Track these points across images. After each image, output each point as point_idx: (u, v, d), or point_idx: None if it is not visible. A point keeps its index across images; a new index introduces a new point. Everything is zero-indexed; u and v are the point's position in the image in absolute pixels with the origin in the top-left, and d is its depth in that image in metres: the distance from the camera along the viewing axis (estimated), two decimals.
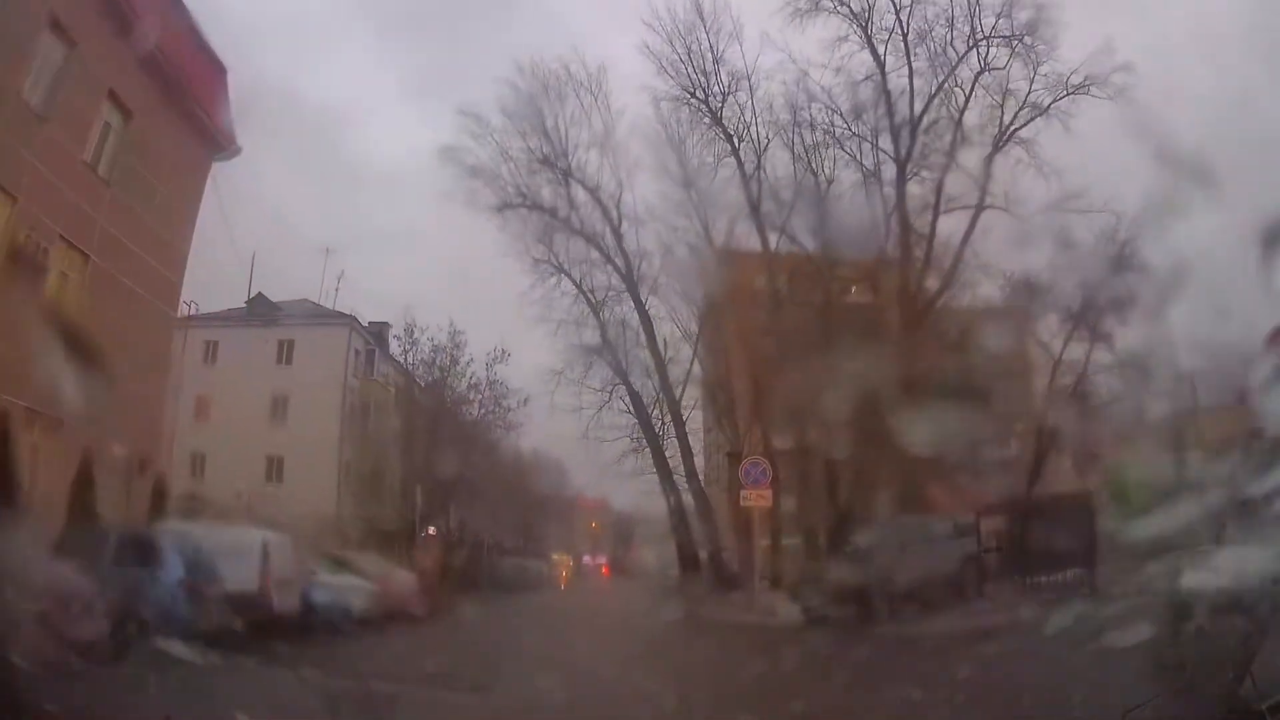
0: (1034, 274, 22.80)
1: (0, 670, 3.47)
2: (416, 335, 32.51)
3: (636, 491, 29.22)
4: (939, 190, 24.01)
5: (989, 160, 23.65)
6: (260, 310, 33.46)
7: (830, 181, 25.19)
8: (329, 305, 34.14)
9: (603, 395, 27.55)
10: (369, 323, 35.37)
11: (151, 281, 19.67)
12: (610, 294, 27.48)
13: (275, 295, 33.72)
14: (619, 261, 26.99)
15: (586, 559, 62.55)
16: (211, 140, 21.56)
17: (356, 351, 34.90)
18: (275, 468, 30.94)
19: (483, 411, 33.77)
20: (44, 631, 6.25)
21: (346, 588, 15.34)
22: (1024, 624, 11.45)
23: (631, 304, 27.24)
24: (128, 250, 18.50)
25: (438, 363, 32.61)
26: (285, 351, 32.99)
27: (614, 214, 26.86)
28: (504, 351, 32.02)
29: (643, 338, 27.19)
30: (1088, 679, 6.32)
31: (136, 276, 18.77)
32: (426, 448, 30.58)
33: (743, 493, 19.55)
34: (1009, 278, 23.49)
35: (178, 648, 7.48)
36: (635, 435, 27.66)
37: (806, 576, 19.64)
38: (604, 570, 61.04)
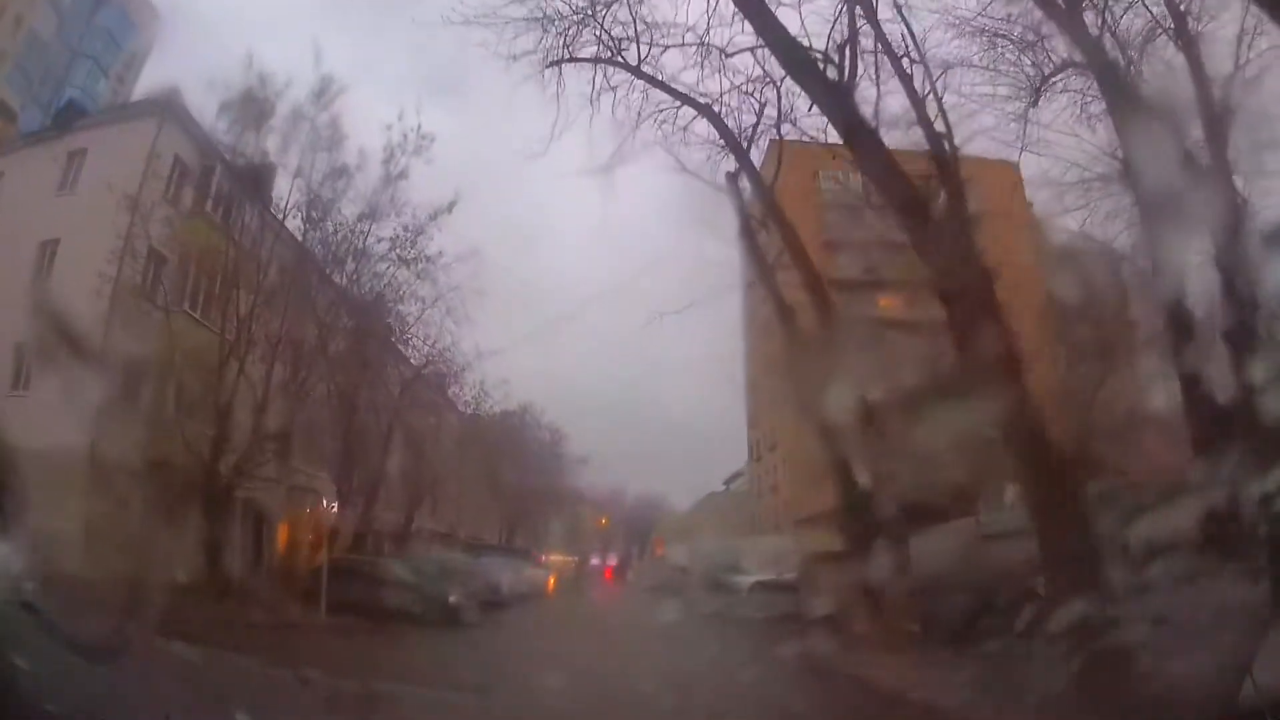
0: None
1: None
2: (256, 91, 18.98)
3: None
4: None
5: None
6: (61, 122, 23.20)
7: None
8: None
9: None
10: (245, 164, 20.44)
11: None
12: None
13: None
14: None
15: (595, 560, 51.27)
16: None
17: (181, 167, 20.67)
18: (26, 364, 18.21)
19: (373, 240, 20.40)
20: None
21: None
22: None
23: None
24: None
25: (291, 143, 19.53)
26: (71, 173, 20.80)
27: None
28: (420, 132, 20.03)
29: None
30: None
31: None
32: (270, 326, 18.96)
33: None
34: None
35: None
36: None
37: None
38: (606, 574, 48.95)
